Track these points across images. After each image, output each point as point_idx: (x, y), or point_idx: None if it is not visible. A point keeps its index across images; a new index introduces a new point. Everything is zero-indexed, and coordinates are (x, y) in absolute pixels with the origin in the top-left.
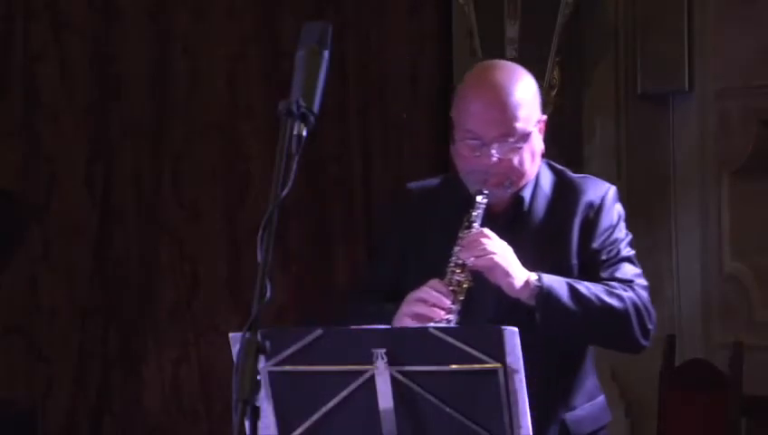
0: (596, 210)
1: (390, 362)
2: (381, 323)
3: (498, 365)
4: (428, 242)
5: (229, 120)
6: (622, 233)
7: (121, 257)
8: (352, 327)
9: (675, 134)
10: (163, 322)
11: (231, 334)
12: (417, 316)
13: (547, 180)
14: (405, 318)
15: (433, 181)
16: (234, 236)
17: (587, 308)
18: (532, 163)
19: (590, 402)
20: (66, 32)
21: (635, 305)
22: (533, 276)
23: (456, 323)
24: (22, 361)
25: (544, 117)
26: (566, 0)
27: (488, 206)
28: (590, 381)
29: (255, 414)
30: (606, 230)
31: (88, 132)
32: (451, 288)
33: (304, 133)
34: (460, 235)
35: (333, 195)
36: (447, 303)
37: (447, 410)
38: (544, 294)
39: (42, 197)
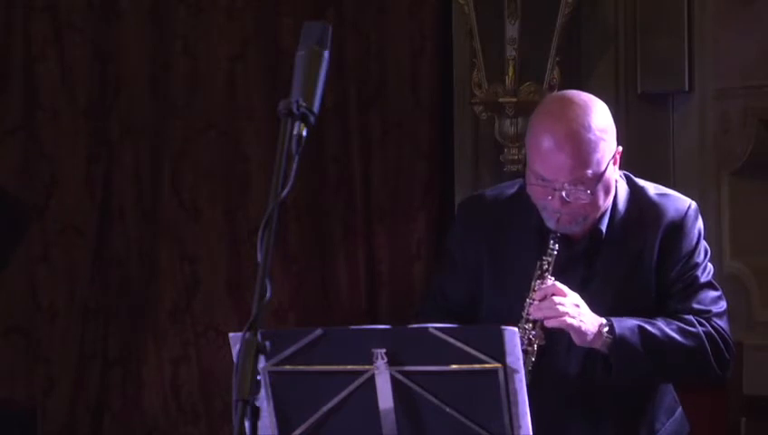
0: (676, 234)
1: (390, 362)
2: None
3: (498, 365)
4: (505, 247)
5: (229, 120)
6: (702, 255)
7: (121, 257)
8: (352, 327)
9: (675, 134)
10: (163, 322)
11: (231, 334)
12: None
13: (622, 197)
14: None
15: (509, 188)
16: (234, 236)
17: (661, 353)
18: (607, 197)
19: (670, 419)
20: (66, 32)
21: (711, 340)
22: (605, 327)
23: (527, 384)
24: (22, 361)
25: (620, 148)
26: (566, 0)
27: (566, 235)
28: (668, 396)
29: (255, 414)
30: (685, 257)
31: (88, 132)
32: (524, 348)
33: (304, 133)
34: (533, 285)
35: (333, 195)
36: None
37: (447, 410)
38: (617, 344)
39: (42, 197)
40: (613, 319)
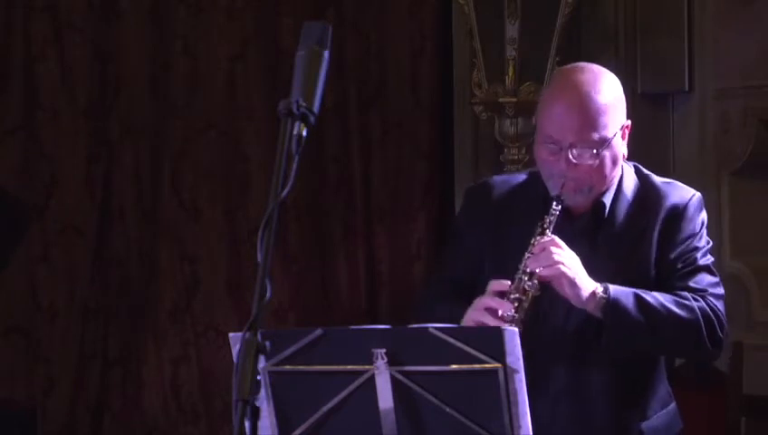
0: (678, 218)
1: (390, 362)
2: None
3: (498, 365)
4: (507, 238)
5: (229, 120)
6: (702, 242)
7: (121, 257)
8: (352, 327)
9: (675, 134)
10: (163, 322)
11: (231, 334)
12: (483, 325)
13: (630, 185)
14: (470, 323)
15: (518, 176)
16: (234, 236)
17: (654, 319)
18: (613, 168)
19: (664, 410)
20: (66, 32)
21: (705, 315)
22: (600, 288)
23: (519, 332)
24: (22, 361)
25: (628, 122)
26: (566, 0)
27: (569, 209)
28: (662, 387)
29: (255, 414)
30: (686, 240)
31: (88, 132)
32: (516, 295)
33: (304, 133)
34: (532, 241)
35: (333, 195)
36: (511, 311)
37: (447, 410)
38: (611, 306)
39: (42, 197)
40: (608, 284)
